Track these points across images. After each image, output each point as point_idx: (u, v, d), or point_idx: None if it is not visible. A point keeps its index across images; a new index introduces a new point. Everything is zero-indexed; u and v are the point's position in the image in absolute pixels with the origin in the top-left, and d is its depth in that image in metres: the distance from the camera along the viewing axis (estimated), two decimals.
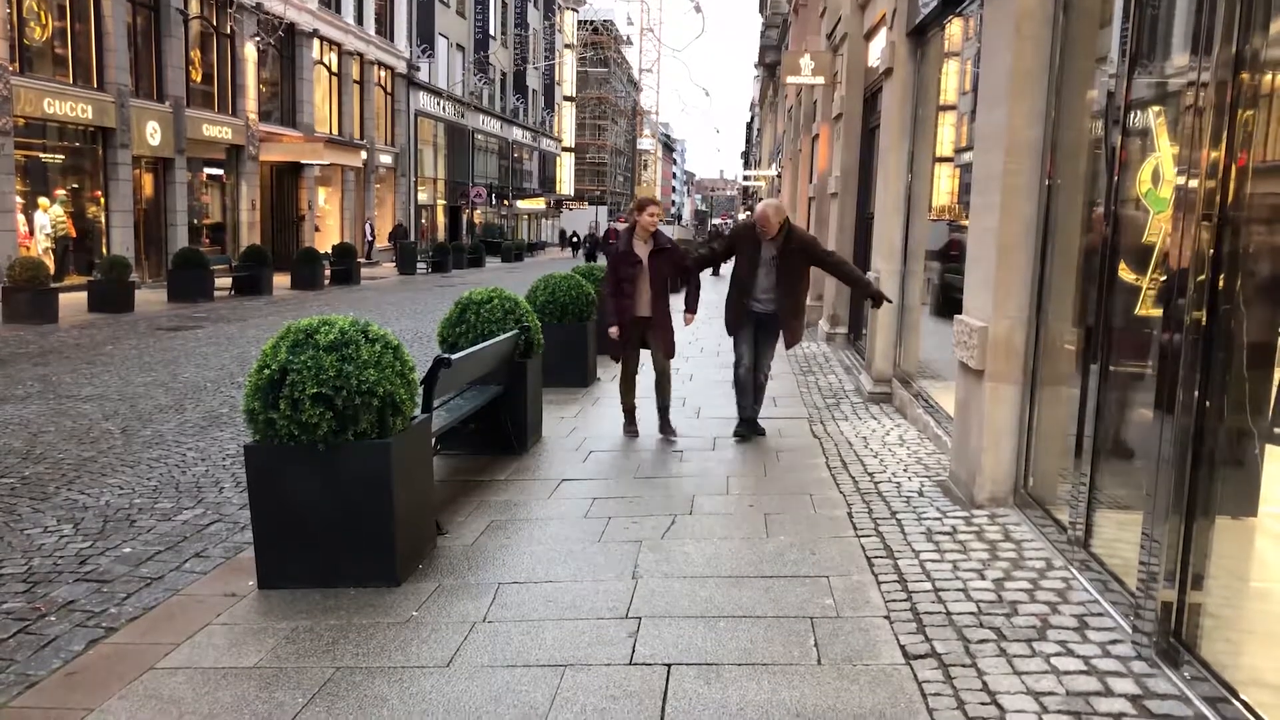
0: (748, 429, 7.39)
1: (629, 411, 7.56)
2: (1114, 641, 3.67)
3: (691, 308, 7.43)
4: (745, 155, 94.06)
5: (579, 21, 78.14)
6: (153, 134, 23.34)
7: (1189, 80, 3.39)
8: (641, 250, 7.24)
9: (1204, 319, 3.28)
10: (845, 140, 12.07)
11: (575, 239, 38.41)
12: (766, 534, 5.09)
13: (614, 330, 7.26)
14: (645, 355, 7.62)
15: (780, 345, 7.47)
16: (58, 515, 5.69)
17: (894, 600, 4.14)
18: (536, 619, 4.04)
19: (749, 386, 7.38)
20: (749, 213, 7.61)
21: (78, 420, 8.30)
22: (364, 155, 35.75)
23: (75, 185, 21.90)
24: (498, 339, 6.54)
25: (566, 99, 73.89)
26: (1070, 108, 4.92)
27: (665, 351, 7.33)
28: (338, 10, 33.32)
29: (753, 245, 7.13)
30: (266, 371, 4.26)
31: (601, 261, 13.46)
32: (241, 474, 6.10)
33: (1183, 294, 3.36)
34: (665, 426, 7.43)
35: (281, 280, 23.75)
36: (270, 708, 3.34)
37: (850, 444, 7.13)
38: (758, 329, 7.28)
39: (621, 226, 58.38)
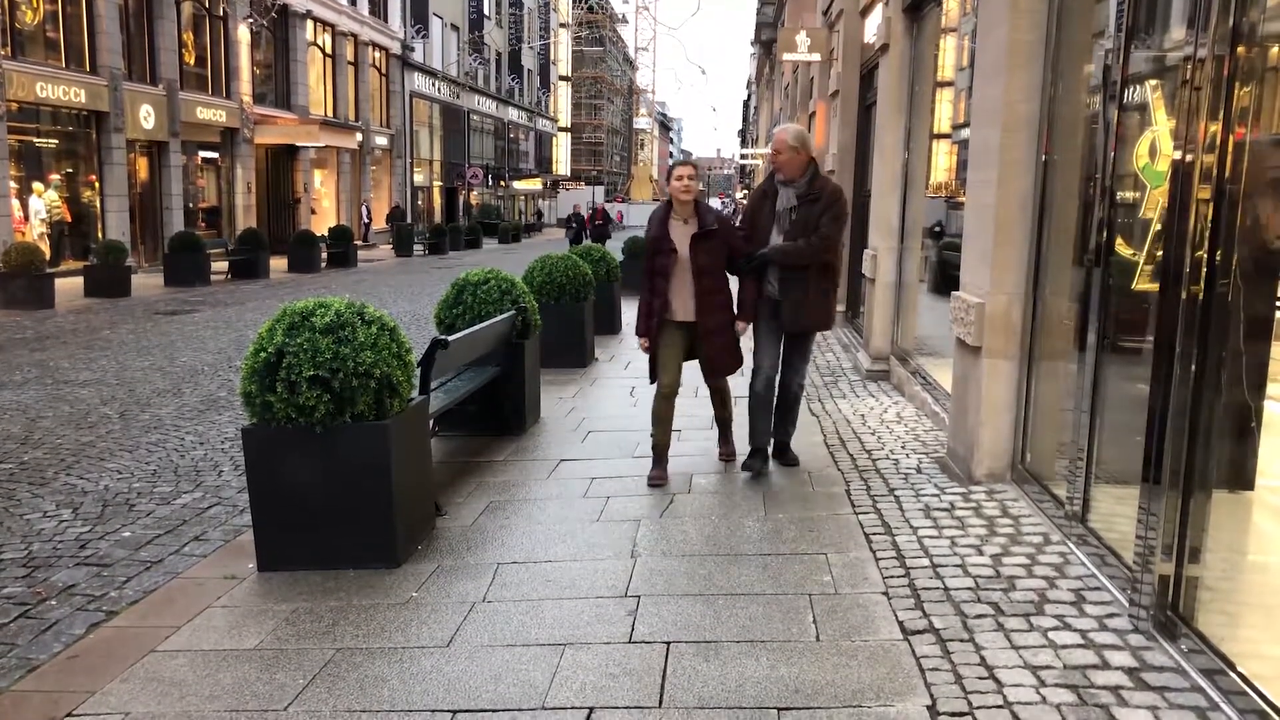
0: (759, 461, 5.71)
1: (658, 450, 5.71)
2: (1111, 615, 3.68)
3: (745, 312, 5.59)
4: (742, 133, 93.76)
5: (574, 0, 77.65)
6: (146, 117, 23.21)
7: (1186, 55, 3.38)
8: (679, 233, 5.47)
9: (1201, 293, 3.28)
10: (842, 117, 12.03)
11: (572, 222, 34.76)
12: (765, 512, 5.10)
13: (643, 341, 5.63)
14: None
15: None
16: (57, 500, 5.70)
17: (892, 576, 4.16)
18: (536, 598, 4.05)
19: (767, 405, 5.73)
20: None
21: (75, 405, 8.30)
22: (359, 137, 35.58)
23: (69, 169, 21.80)
24: (495, 320, 6.53)
25: (562, 79, 73.48)
26: (1067, 82, 4.89)
27: (718, 368, 5.63)
28: None
29: (770, 205, 5.59)
30: (263, 354, 4.25)
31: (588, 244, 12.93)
32: (240, 457, 6.10)
33: (1179, 268, 3.36)
34: (725, 440, 5.97)
35: (278, 263, 23.69)
36: (271, 689, 3.36)
37: (848, 421, 7.13)
38: (780, 322, 5.61)
39: (619, 206, 57.36)
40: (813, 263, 5.50)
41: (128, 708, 3.26)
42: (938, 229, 8.07)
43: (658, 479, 5.65)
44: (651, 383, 5.71)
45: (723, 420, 5.99)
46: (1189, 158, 3.33)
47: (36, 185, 20.42)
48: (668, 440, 5.74)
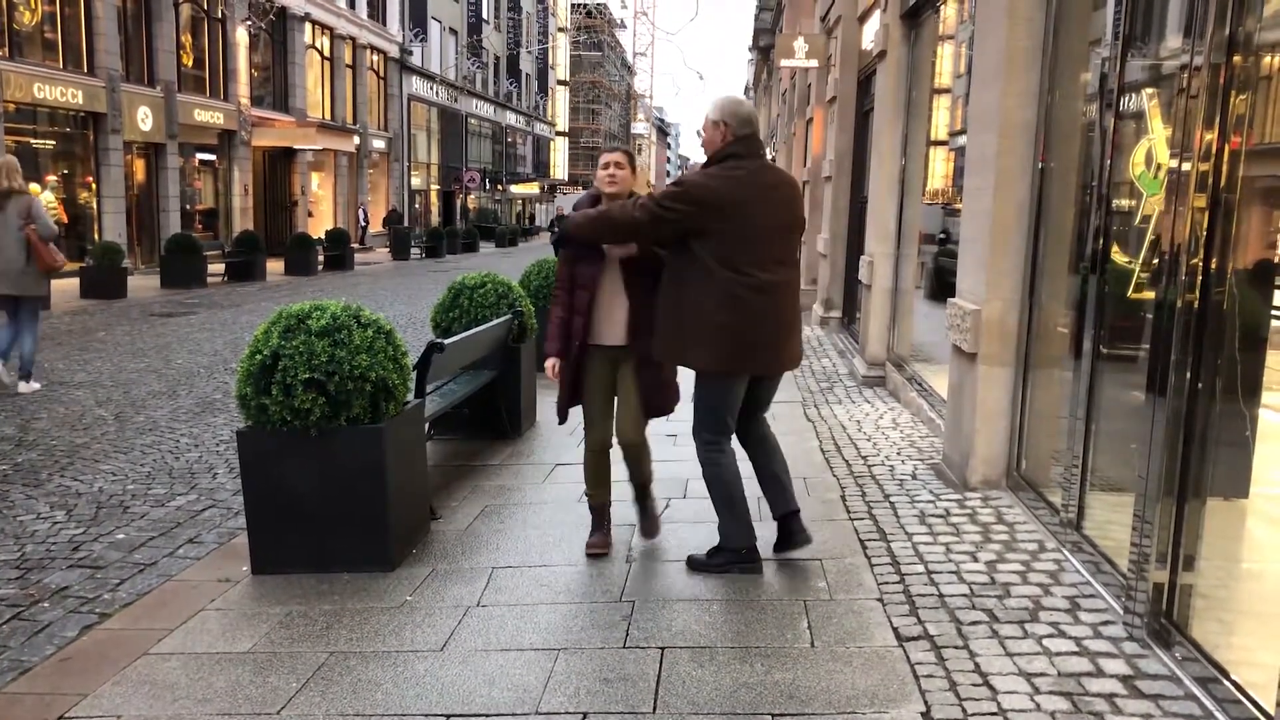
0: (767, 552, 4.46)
1: (597, 511, 4.69)
2: (1106, 623, 3.68)
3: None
4: None
5: (572, 5, 77.74)
6: (144, 119, 23.19)
7: (1182, 63, 3.39)
8: None
9: (1196, 301, 3.28)
10: (839, 123, 12.05)
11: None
12: (760, 517, 5.08)
13: (550, 363, 4.48)
14: None
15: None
16: (51, 502, 5.69)
17: (887, 583, 4.16)
18: (530, 603, 4.05)
19: (751, 477, 4.49)
20: None
21: (70, 407, 8.28)
22: (357, 140, 35.58)
23: (66, 171, 21.77)
24: (491, 324, 6.53)
25: (560, 83, 73.57)
26: (1064, 89, 4.90)
27: (649, 405, 4.43)
28: None
29: None
30: (258, 357, 4.25)
31: None
32: (235, 459, 6.08)
33: (1175, 276, 3.36)
34: (646, 518, 4.71)
35: (275, 266, 23.67)
36: (264, 692, 3.35)
37: (844, 427, 7.13)
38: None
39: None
40: (630, 246, 4.29)
41: (120, 710, 3.25)
42: (943, 236, 8.07)
43: (598, 546, 4.58)
44: (560, 423, 4.61)
45: (640, 493, 4.68)
46: (1185, 166, 3.34)
47: (33, 186, 20.26)
48: (608, 498, 4.68)
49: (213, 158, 27.37)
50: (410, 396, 4.79)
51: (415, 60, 41.24)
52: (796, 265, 4.41)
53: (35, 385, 8.88)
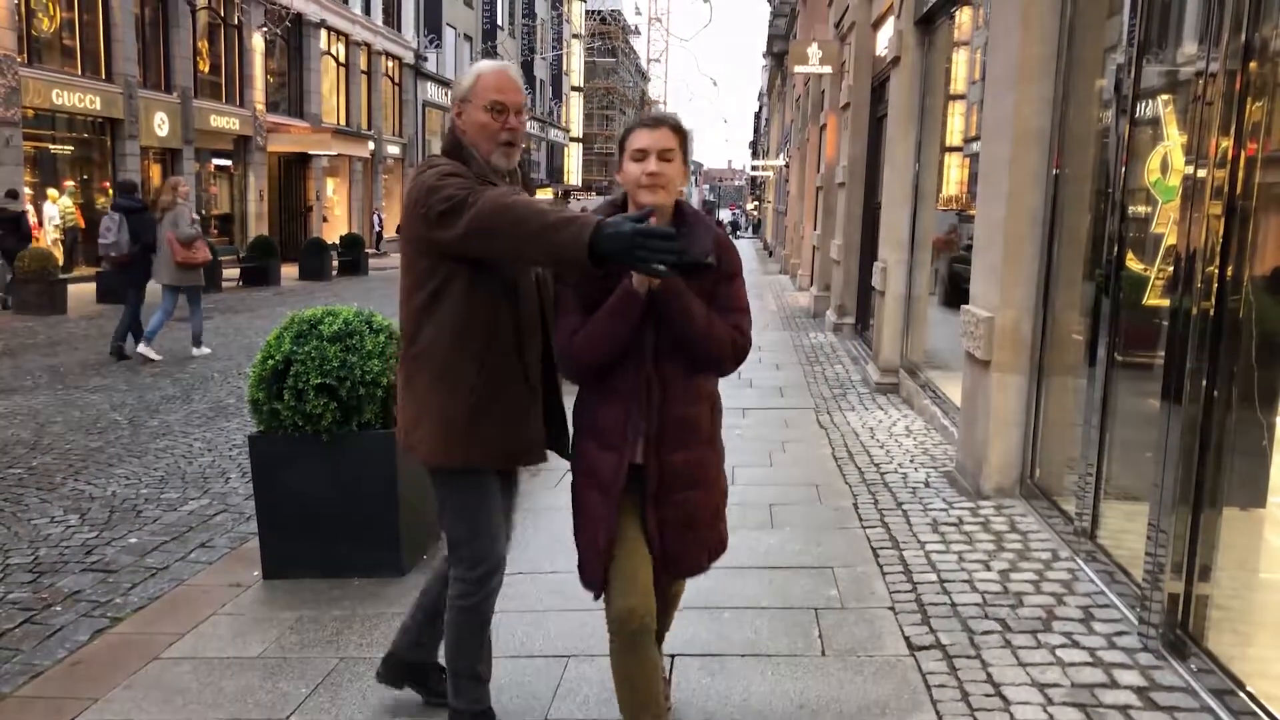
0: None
1: None
2: (1120, 633, 3.65)
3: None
4: (753, 145, 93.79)
5: (587, 11, 77.93)
6: (160, 125, 23.36)
7: (1198, 69, 3.36)
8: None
9: (1212, 308, 3.26)
10: (853, 130, 12.03)
11: None
12: (771, 524, 5.07)
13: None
14: None
15: None
16: (64, 505, 5.71)
17: (899, 591, 4.13)
18: (540, 610, 4.03)
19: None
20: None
21: (85, 411, 8.32)
22: (371, 146, 35.71)
23: (84, 176, 21.94)
24: None
25: (574, 89, 73.73)
26: (1078, 96, 4.88)
27: (702, 552, 2.81)
28: (345, 0, 33.25)
29: None
30: (270, 362, 4.26)
31: None
32: (248, 464, 6.10)
33: (1191, 283, 3.34)
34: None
35: (289, 271, 23.74)
36: (274, 698, 3.35)
37: (856, 434, 7.10)
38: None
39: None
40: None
41: (130, 715, 3.26)
42: (969, 243, 8.01)
43: None
44: (591, 591, 2.80)
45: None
46: (1201, 172, 3.32)
47: (51, 191, 20.54)
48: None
49: (228, 163, 27.55)
50: None
51: (430, 66, 41.40)
52: (412, 306, 2.89)
53: (206, 350, 11.59)
